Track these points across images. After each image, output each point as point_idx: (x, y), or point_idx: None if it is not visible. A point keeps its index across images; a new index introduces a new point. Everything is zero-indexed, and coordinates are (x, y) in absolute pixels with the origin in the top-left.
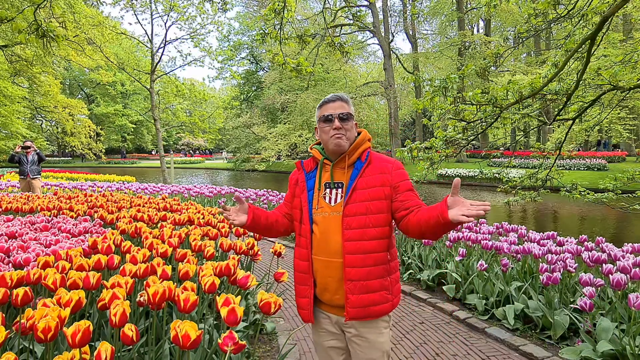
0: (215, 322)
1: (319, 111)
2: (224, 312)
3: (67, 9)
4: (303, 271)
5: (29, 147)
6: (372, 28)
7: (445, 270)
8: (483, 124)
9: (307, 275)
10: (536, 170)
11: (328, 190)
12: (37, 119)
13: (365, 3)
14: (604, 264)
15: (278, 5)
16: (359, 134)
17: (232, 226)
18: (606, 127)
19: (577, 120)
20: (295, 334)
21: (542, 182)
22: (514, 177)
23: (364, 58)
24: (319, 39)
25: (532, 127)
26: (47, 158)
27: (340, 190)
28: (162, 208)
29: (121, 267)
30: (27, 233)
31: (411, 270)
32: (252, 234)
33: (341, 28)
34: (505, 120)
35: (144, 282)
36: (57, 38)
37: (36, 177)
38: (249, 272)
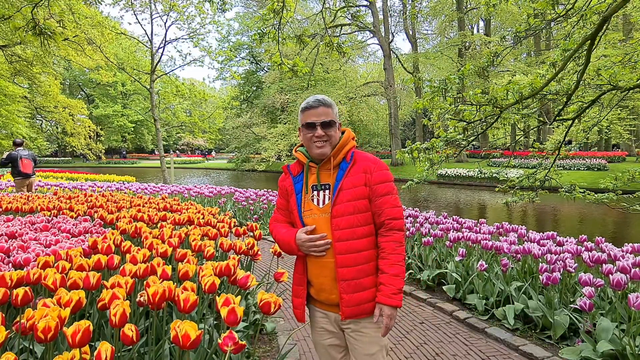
0: (215, 322)
1: (301, 115)
2: (224, 312)
3: (67, 9)
4: (299, 272)
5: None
6: (372, 28)
7: (445, 270)
8: (483, 124)
9: (302, 276)
10: (535, 170)
11: (315, 192)
12: (37, 119)
13: (365, 3)
14: (603, 264)
15: (277, 5)
16: (342, 133)
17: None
18: (606, 127)
19: (576, 120)
20: (295, 334)
21: (540, 183)
22: (513, 177)
23: (364, 58)
24: (318, 39)
25: (532, 127)
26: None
27: (327, 191)
28: (162, 208)
29: (121, 267)
30: (27, 233)
31: (411, 270)
32: (252, 233)
33: (341, 28)
34: (505, 120)
35: (144, 282)
36: (55, 36)
37: (16, 179)
38: (249, 272)
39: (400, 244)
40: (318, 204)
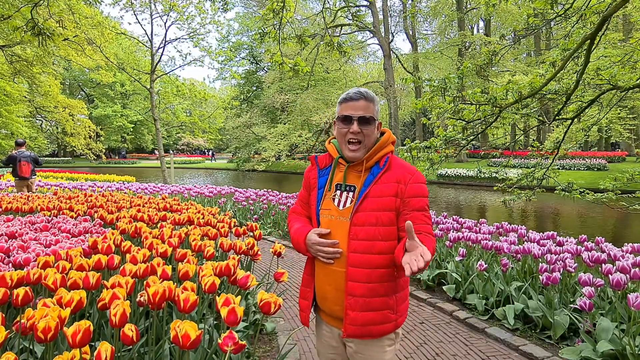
0: (215, 322)
1: (339, 107)
2: (224, 312)
3: (67, 9)
4: (307, 273)
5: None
6: (372, 28)
7: (445, 270)
8: (483, 123)
9: (310, 277)
10: (533, 169)
11: (338, 192)
12: (37, 119)
13: (365, 3)
14: (603, 264)
15: (277, 5)
16: (382, 133)
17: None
18: (605, 127)
19: (575, 119)
20: (295, 334)
21: (538, 182)
22: (513, 176)
23: (364, 58)
24: (318, 39)
25: (531, 127)
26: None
27: (351, 194)
28: (162, 208)
29: (121, 267)
30: (27, 233)
31: None
32: (252, 233)
33: (341, 28)
34: (505, 120)
35: (144, 282)
36: (54, 36)
37: (16, 180)
38: (249, 272)
39: (432, 245)
40: (338, 205)
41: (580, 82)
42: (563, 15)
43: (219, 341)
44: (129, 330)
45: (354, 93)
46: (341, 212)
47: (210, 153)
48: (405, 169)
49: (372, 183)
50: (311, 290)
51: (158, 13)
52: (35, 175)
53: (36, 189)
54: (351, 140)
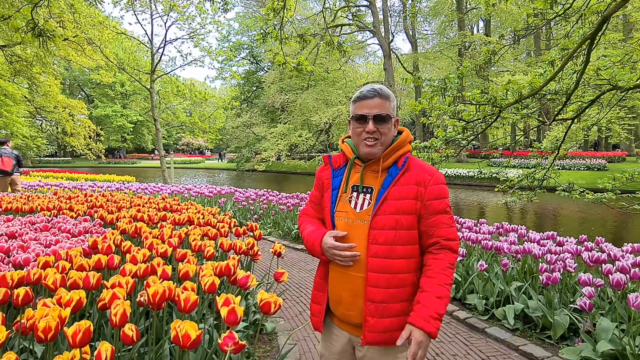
0: (215, 322)
1: (353, 106)
2: (224, 312)
3: (67, 9)
4: (320, 276)
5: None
6: (372, 28)
7: None
8: (482, 124)
9: (323, 281)
10: (534, 170)
11: (355, 193)
12: (37, 119)
13: (365, 3)
14: (603, 264)
15: (277, 4)
16: (400, 133)
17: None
18: (604, 126)
19: (575, 120)
20: (295, 334)
21: (538, 182)
22: (513, 177)
23: (364, 58)
24: (318, 39)
25: (531, 127)
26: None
27: (369, 196)
28: (162, 208)
29: (121, 267)
30: (27, 233)
31: None
32: (252, 233)
33: (341, 28)
34: (505, 120)
35: (144, 282)
36: (54, 37)
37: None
38: (249, 272)
39: (450, 266)
40: (355, 207)
41: (580, 82)
42: (563, 15)
43: (219, 341)
44: (129, 330)
45: (368, 91)
46: (358, 215)
47: (218, 153)
48: (425, 170)
49: (391, 185)
50: (325, 294)
51: (158, 13)
52: (19, 173)
53: (35, 188)
54: (367, 138)
